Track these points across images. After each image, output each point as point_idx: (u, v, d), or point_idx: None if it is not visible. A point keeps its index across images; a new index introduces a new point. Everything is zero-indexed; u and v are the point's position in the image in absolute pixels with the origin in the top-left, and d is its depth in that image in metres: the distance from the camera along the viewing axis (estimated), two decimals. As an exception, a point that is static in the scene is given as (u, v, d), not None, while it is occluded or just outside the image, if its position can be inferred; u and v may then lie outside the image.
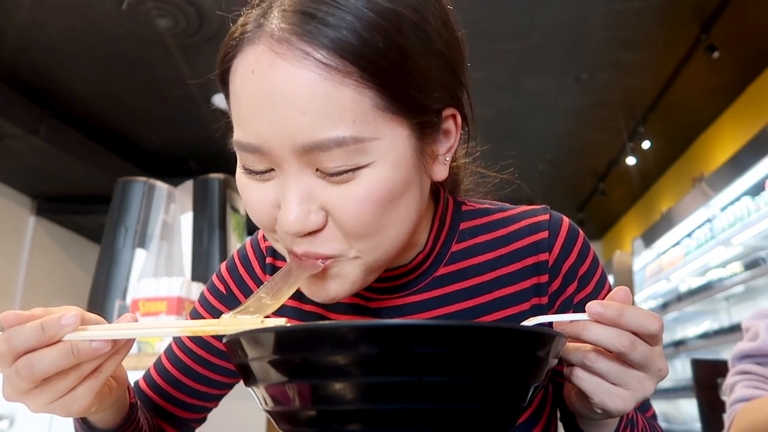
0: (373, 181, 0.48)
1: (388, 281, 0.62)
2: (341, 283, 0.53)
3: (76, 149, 4.54)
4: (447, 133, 0.54)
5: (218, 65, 0.54)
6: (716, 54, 3.39)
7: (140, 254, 1.92)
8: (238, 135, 0.50)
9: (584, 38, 3.56)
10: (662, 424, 4.72)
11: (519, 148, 4.86)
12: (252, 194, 0.51)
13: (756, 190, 3.49)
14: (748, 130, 3.73)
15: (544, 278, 0.62)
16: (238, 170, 0.52)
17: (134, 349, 1.70)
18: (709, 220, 4.02)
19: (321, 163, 0.47)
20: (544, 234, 0.62)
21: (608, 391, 0.46)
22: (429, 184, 0.56)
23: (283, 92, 0.46)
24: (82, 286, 4.03)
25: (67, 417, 0.47)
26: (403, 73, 0.48)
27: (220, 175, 2.10)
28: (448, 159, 0.55)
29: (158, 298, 1.69)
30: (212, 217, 2.03)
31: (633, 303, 0.47)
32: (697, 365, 1.36)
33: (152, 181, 2.04)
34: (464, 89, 0.55)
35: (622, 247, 6.59)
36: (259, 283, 0.68)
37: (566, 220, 0.64)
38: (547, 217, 0.63)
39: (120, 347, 0.46)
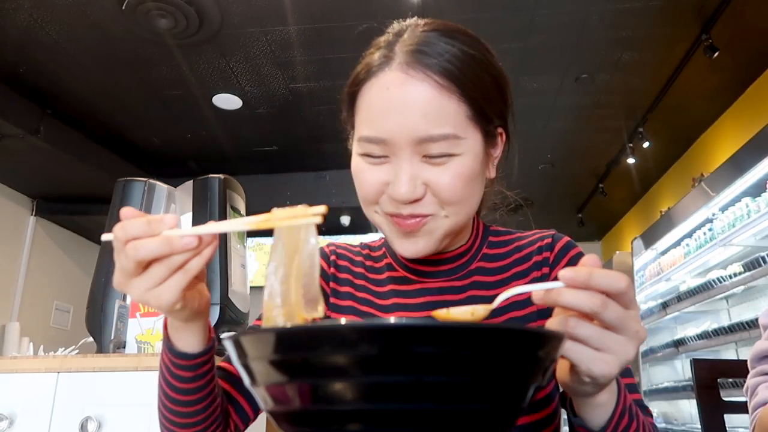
0: (461, 165, 0.69)
1: (436, 265, 0.82)
2: (429, 239, 0.73)
3: (76, 149, 4.53)
4: (496, 144, 0.77)
5: (348, 87, 0.74)
6: (716, 54, 3.38)
7: (140, 254, 1.91)
8: (368, 131, 0.69)
9: (584, 38, 3.56)
10: (662, 424, 4.72)
11: (519, 148, 4.85)
12: (368, 175, 0.71)
13: (756, 191, 3.48)
14: (748, 131, 3.73)
15: (546, 270, 0.81)
16: (356, 158, 0.73)
17: (134, 349, 1.70)
18: (709, 220, 4.01)
19: (428, 151, 0.68)
20: (549, 240, 0.83)
21: (592, 356, 0.50)
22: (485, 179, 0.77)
23: (410, 101, 0.67)
24: (82, 286, 4.03)
25: (159, 308, 0.57)
26: (483, 95, 0.70)
27: (220, 176, 2.10)
28: (495, 162, 0.78)
29: (158, 298, 1.68)
30: (212, 218, 2.03)
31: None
32: (697, 365, 1.36)
33: (152, 181, 2.04)
34: (510, 113, 0.78)
35: (622, 247, 6.59)
36: (324, 276, 0.87)
37: (568, 237, 0.84)
38: (552, 232, 0.85)
39: (203, 248, 0.55)
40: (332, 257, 0.88)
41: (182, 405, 0.68)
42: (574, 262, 0.79)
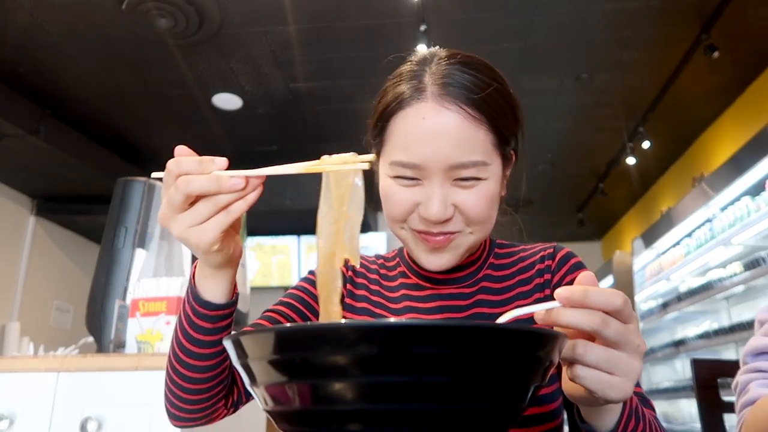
0: (487, 188, 0.75)
1: (448, 273, 0.85)
2: (454, 254, 0.78)
3: (76, 149, 4.53)
4: (510, 165, 0.83)
5: (379, 116, 0.78)
6: (716, 54, 3.38)
7: (140, 254, 1.91)
8: (403, 157, 0.73)
9: (584, 38, 3.56)
10: (662, 424, 4.73)
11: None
12: (399, 196, 0.75)
13: (756, 190, 3.48)
14: (748, 130, 3.73)
15: (548, 276, 0.85)
16: (386, 180, 0.77)
17: (134, 349, 1.70)
18: (709, 220, 4.02)
19: (459, 175, 0.73)
20: (550, 250, 0.88)
21: (607, 382, 0.50)
22: None
23: (445, 130, 0.72)
24: (82, 286, 4.03)
25: (197, 246, 0.60)
26: (504, 122, 0.76)
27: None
28: (506, 181, 0.83)
29: (158, 298, 1.69)
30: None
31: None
32: (697, 365, 1.36)
33: (152, 181, 2.04)
34: (522, 136, 0.83)
35: (622, 247, 6.59)
36: (342, 279, 0.88)
37: (569, 248, 0.89)
38: (554, 244, 0.90)
39: (248, 193, 0.58)
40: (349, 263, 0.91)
41: (196, 358, 0.69)
42: (574, 270, 0.84)
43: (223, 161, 0.58)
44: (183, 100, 4.22)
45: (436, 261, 0.78)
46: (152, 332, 1.68)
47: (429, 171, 0.73)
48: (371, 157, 0.56)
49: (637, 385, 0.74)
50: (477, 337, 0.39)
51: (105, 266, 1.92)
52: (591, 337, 0.51)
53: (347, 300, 0.89)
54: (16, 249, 5.08)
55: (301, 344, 0.40)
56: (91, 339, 1.92)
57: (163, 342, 1.61)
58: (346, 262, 0.88)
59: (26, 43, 3.55)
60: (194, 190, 0.56)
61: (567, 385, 0.56)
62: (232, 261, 0.66)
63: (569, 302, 0.50)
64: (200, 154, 0.60)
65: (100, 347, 1.86)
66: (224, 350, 0.70)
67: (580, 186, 5.93)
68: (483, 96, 0.73)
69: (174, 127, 4.63)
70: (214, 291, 0.67)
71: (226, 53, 3.68)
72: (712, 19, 3.35)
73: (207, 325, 0.68)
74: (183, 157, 0.58)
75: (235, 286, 0.70)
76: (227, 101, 4.26)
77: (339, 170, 0.56)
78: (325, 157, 0.57)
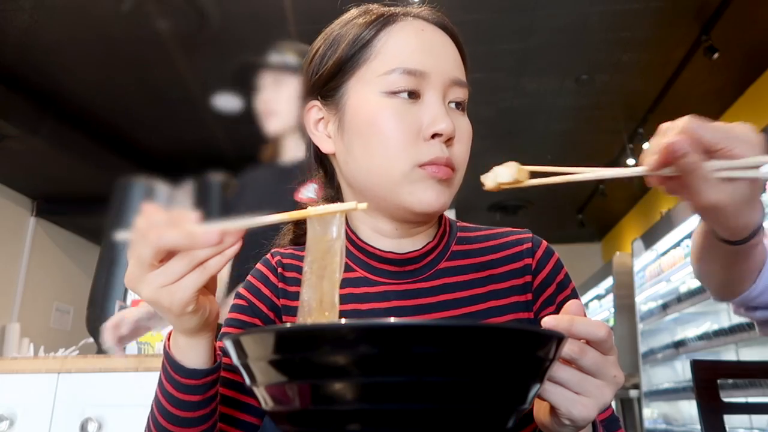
0: (468, 122, 0.72)
1: (400, 265, 0.74)
2: (449, 194, 0.70)
3: (76, 150, 4.54)
4: None
5: (358, 34, 0.73)
6: (716, 55, 3.39)
7: (140, 255, 1.91)
8: (406, 63, 0.68)
9: (584, 39, 3.56)
10: (662, 425, 4.72)
11: (519, 148, 4.86)
12: (398, 121, 0.67)
13: (756, 191, 3.48)
14: (748, 131, 3.73)
15: (528, 278, 0.76)
16: (381, 102, 0.68)
17: (134, 350, 1.70)
18: (709, 221, 4.00)
19: (453, 95, 0.70)
20: (528, 245, 0.78)
21: (572, 399, 0.51)
22: None
23: (444, 45, 0.72)
24: (82, 287, 4.04)
25: (170, 307, 0.54)
26: (466, 66, 0.75)
27: (220, 176, 2.10)
28: None
29: (158, 299, 1.68)
30: (212, 218, 2.03)
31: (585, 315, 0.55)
32: (697, 366, 1.36)
33: (152, 181, 2.04)
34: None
35: (622, 248, 6.58)
36: (274, 290, 0.78)
37: (545, 240, 0.81)
38: (529, 234, 0.80)
39: (225, 248, 0.53)
40: (279, 269, 0.79)
41: (187, 426, 0.63)
42: (556, 270, 0.77)
43: (195, 215, 0.54)
44: (183, 101, 4.22)
45: (439, 197, 0.68)
46: (152, 333, 1.68)
47: (431, 83, 0.68)
48: (353, 204, 0.53)
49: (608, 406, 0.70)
50: (477, 337, 0.39)
51: (105, 267, 1.92)
52: (569, 362, 0.52)
53: (284, 317, 0.77)
54: (16, 250, 5.09)
55: (301, 344, 0.40)
56: (91, 340, 1.92)
57: (163, 342, 1.61)
58: (275, 270, 0.79)
59: (27, 44, 3.56)
60: (166, 243, 0.52)
61: (537, 410, 0.57)
62: (208, 325, 0.59)
63: (555, 330, 0.50)
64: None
65: (101, 348, 1.86)
66: (216, 422, 0.66)
67: (580, 187, 5.93)
68: (455, 33, 0.75)
69: (174, 128, 4.63)
70: (194, 359, 0.61)
71: (226, 54, 3.68)
72: (712, 21, 3.35)
73: (196, 398, 0.61)
74: (152, 213, 0.54)
75: (216, 349, 0.64)
76: (227, 102, 4.26)
77: (323, 219, 0.53)
78: (310, 208, 0.54)
